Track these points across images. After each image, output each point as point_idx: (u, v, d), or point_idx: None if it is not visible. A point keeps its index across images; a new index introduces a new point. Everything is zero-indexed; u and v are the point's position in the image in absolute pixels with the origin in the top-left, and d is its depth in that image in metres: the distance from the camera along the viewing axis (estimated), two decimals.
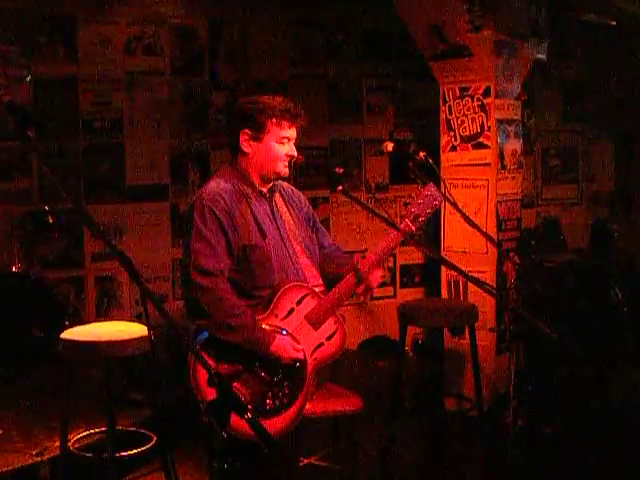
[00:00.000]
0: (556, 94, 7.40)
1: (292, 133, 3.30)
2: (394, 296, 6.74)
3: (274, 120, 3.24)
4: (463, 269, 3.63)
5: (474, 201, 5.52)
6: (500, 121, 5.54)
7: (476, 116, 5.52)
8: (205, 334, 3.16)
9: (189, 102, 6.05)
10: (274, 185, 3.40)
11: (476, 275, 4.19)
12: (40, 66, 5.51)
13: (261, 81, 6.16)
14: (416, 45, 5.69)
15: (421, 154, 3.74)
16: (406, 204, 6.25)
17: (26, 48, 5.45)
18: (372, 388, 5.02)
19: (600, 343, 5.65)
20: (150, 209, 5.94)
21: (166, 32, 5.94)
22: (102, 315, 5.74)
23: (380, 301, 6.65)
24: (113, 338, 3.89)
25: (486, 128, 5.51)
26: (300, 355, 3.20)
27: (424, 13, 5.53)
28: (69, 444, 4.17)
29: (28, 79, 5.45)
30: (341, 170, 3.51)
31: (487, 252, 5.46)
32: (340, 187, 3.37)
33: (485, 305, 5.35)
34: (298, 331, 3.23)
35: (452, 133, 5.63)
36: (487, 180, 5.52)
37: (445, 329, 5.65)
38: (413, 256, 6.70)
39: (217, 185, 3.25)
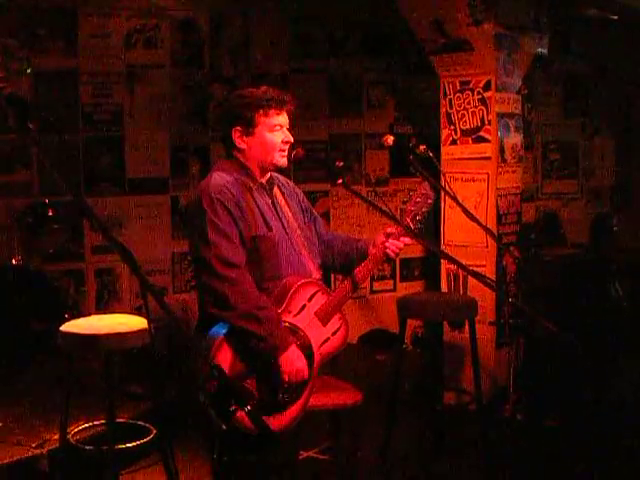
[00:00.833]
0: (557, 88, 7.40)
1: (283, 120, 3.30)
2: (394, 289, 6.75)
3: (261, 111, 3.25)
4: (463, 263, 3.64)
5: (474, 195, 5.51)
6: (500, 115, 5.53)
7: (476, 110, 5.52)
8: (219, 328, 3.14)
9: (190, 95, 6.05)
10: (272, 177, 3.40)
11: (476, 269, 4.20)
12: (40, 59, 5.51)
13: (262, 75, 6.15)
14: (416, 39, 5.68)
15: (421, 147, 3.75)
16: (404, 202, 6.25)
17: (26, 41, 5.45)
18: (371, 381, 5.02)
19: (599, 337, 5.65)
20: (150, 202, 5.95)
21: (167, 25, 5.93)
22: (102, 308, 5.75)
23: (380, 294, 6.66)
24: (113, 331, 3.88)
25: (486, 122, 5.50)
26: (298, 378, 3.17)
27: (425, 7, 5.51)
28: (69, 436, 4.17)
29: (28, 72, 5.45)
30: (341, 163, 3.53)
31: (487, 246, 5.46)
32: (340, 180, 3.37)
33: (485, 299, 5.34)
34: (309, 327, 3.25)
35: (452, 127, 5.63)
36: (487, 174, 5.51)
37: (445, 323, 5.65)
38: (413, 249, 6.69)
39: (221, 178, 3.24)
